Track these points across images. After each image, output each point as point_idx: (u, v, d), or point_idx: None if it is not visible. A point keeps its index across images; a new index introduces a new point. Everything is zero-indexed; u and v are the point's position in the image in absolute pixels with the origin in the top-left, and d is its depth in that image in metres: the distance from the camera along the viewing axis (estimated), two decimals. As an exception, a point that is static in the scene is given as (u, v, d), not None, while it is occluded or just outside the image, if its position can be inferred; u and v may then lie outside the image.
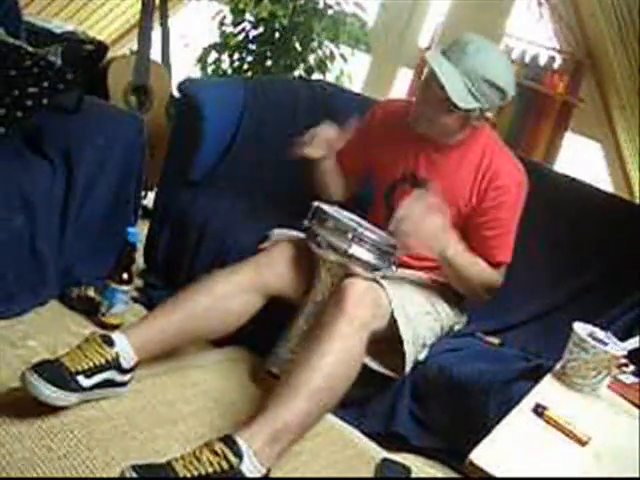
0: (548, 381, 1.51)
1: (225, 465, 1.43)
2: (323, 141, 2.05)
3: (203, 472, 1.41)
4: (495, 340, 2.11)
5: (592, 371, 1.48)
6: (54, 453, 1.52)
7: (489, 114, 1.94)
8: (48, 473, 1.45)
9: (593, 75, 4.15)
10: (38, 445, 1.52)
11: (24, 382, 1.55)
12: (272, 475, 1.54)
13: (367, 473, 1.79)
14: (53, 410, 1.60)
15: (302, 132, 2.07)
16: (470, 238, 2.00)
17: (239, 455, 1.44)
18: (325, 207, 1.92)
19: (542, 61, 4.18)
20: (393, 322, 1.85)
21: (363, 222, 1.95)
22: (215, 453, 1.44)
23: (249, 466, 1.45)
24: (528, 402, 1.36)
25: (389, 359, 1.92)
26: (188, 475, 1.39)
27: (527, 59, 4.24)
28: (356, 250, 1.84)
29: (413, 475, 1.81)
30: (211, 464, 1.42)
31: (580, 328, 1.52)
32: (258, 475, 1.47)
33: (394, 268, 1.91)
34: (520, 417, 1.31)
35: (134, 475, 1.37)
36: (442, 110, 1.91)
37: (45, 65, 2.33)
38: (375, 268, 1.87)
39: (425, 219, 1.81)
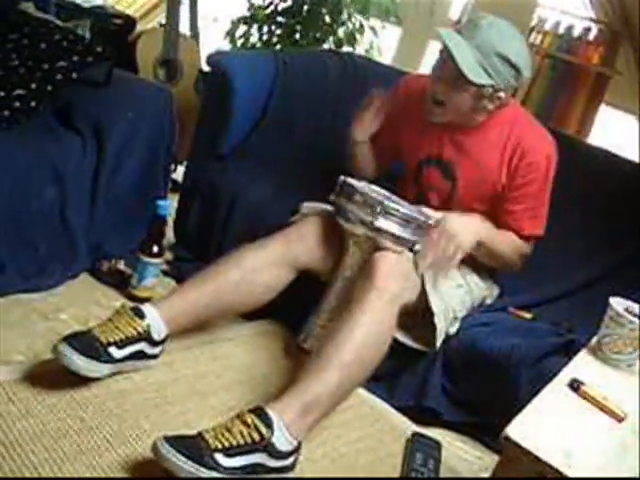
0: (583, 356, 1.49)
1: (256, 436, 1.43)
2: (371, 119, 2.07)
3: (234, 443, 1.41)
4: (527, 314, 2.09)
5: (628, 347, 1.46)
6: (86, 424, 1.53)
7: (502, 94, 1.89)
8: (81, 443, 1.47)
9: (630, 46, 4.03)
10: (71, 416, 1.54)
11: (57, 353, 1.57)
12: (302, 448, 1.54)
13: (398, 447, 1.79)
14: (85, 382, 1.61)
15: (332, 105, 2.04)
16: (500, 212, 1.98)
17: (270, 426, 1.44)
18: (352, 181, 1.90)
19: (577, 32, 4.09)
20: (424, 295, 1.83)
21: (392, 196, 1.93)
22: (246, 424, 1.43)
23: (280, 438, 1.45)
24: (563, 377, 1.34)
25: (420, 332, 1.90)
26: (219, 446, 1.39)
27: (561, 30, 4.14)
28: (384, 223, 1.82)
29: (443, 450, 1.80)
30: (242, 435, 1.42)
31: (616, 303, 1.49)
32: (289, 447, 1.47)
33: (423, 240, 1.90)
34: (556, 392, 1.29)
35: (166, 446, 1.37)
36: (454, 89, 1.87)
37: (74, 39, 2.34)
38: (404, 241, 1.85)
39: (448, 245, 1.81)
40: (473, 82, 1.83)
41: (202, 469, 1.36)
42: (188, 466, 1.36)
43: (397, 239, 1.83)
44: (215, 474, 1.38)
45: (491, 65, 1.83)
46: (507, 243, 1.96)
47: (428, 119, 1.98)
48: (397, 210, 1.82)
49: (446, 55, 1.84)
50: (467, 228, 1.86)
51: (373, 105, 2.08)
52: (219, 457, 1.39)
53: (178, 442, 1.39)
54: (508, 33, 1.86)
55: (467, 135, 1.99)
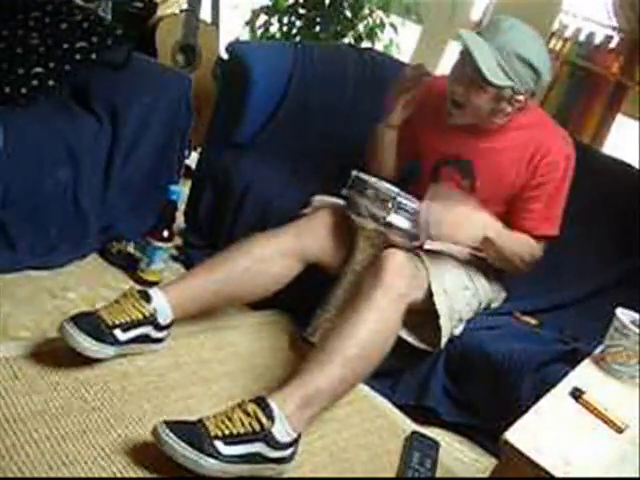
0: (586, 365, 1.49)
1: (256, 426, 1.43)
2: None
3: (234, 431, 1.41)
4: (533, 320, 2.09)
5: (632, 358, 1.46)
6: (88, 404, 1.54)
7: (521, 97, 1.88)
8: (83, 423, 1.48)
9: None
10: (74, 395, 1.55)
11: (62, 333, 1.58)
12: (302, 440, 1.55)
13: (396, 444, 1.79)
14: (89, 362, 1.62)
15: (349, 100, 2.03)
16: (515, 211, 1.98)
17: (271, 417, 1.45)
18: (365, 176, 1.90)
19: (598, 40, 4.07)
20: (430, 295, 1.84)
21: (402, 192, 1.93)
22: (247, 413, 1.44)
23: (280, 429, 1.45)
24: (565, 385, 1.34)
25: (424, 332, 1.91)
26: (219, 433, 1.40)
27: (582, 37, 4.13)
28: (395, 218, 1.83)
29: (441, 450, 1.80)
30: (242, 424, 1.43)
31: (623, 314, 1.49)
32: (289, 439, 1.48)
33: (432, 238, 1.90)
34: (557, 399, 1.29)
35: (167, 431, 1.38)
36: (473, 90, 1.87)
37: (95, 20, 2.34)
38: (414, 237, 1.85)
39: (448, 214, 1.79)
40: (492, 83, 1.83)
41: (201, 455, 1.37)
42: (187, 452, 1.37)
43: (408, 235, 1.83)
44: (214, 461, 1.38)
45: (511, 67, 1.82)
46: (519, 245, 1.94)
47: (448, 121, 1.97)
48: (409, 206, 1.83)
49: (466, 56, 1.84)
50: (471, 222, 1.84)
51: (410, 87, 2.05)
52: (219, 445, 1.39)
53: (178, 427, 1.40)
54: (529, 36, 1.86)
55: (487, 135, 1.98)
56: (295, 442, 1.51)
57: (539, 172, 1.94)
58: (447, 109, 1.95)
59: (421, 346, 1.91)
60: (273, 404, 1.47)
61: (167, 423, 1.41)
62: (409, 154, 2.17)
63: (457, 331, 1.93)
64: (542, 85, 1.92)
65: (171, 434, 1.38)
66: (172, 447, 1.37)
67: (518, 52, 1.82)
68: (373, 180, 1.89)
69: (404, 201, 1.83)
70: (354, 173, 1.92)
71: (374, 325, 1.66)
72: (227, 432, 1.41)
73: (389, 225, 1.83)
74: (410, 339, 1.89)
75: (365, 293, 1.72)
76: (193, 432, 1.40)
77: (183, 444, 1.37)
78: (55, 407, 1.50)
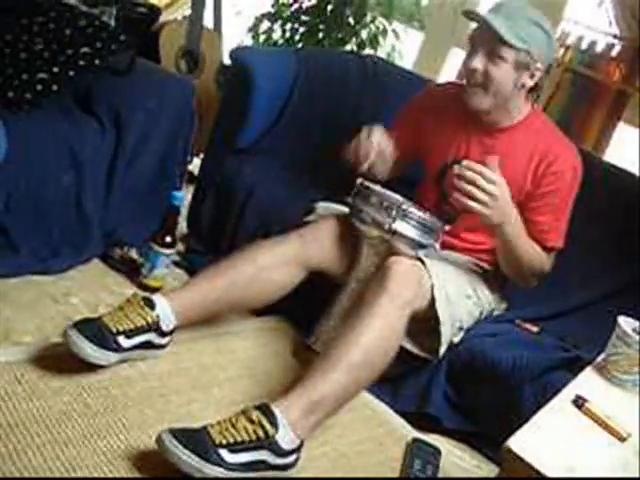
0: (588, 373, 1.49)
1: (261, 433, 1.43)
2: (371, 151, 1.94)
3: (239, 439, 1.41)
4: (534, 328, 2.09)
5: (635, 367, 1.46)
6: (90, 409, 1.54)
7: (540, 65, 1.86)
8: (84, 428, 1.48)
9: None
10: (76, 400, 1.55)
11: (66, 339, 1.58)
12: (304, 446, 1.55)
13: (398, 451, 1.79)
14: (91, 367, 1.62)
15: (352, 106, 2.02)
16: (523, 222, 1.96)
17: (275, 424, 1.44)
18: (369, 184, 1.90)
19: (599, 48, 4.08)
20: (432, 303, 1.83)
21: (407, 200, 1.93)
22: (251, 421, 1.44)
23: (284, 436, 1.45)
24: (567, 393, 1.34)
25: (425, 340, 1.90)
26: (224, 441, 1.40)
27: (584, 45, 4.13)
28: (400, 226, 1.82)
29: (442, 457, 1.80)
30: (247, 432, 1.42)
31: (625, 322, 1.49)
32: (292, 446, 1.48)
33: (437, 246, 1.90)
34: (559, 408, 1.29)
35: (171, 439, 1.37)
36: (493, 62, 1.84)
37: (99, 26, 2.35)
38: (419, 245, 1.85)
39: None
40: (511, 44, 1.81)
41: (206, 464, 1.37)
42: (192, 460, 1.36)
43: (412, 242, 1.83)
44: (219, 469, 1.38)
45: (523, 29, 1.82)
46: (532, 252, 1.91)
47: (469, 105, 1.93)
48: (414, 214, 1.82)
49: (479, 30, 1.85)
50: (508, 204, 1.80)
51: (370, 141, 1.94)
52: (223, 453, 1.39)
53: (183, 435, 1.39)
54: (531, 9, 1.88)
55: (495, 139, 1.98)
56: (298, 449, 1.51)
57: (545, 181, 1.93)
58: (466, 93, 1.92)
59: (421, 354, 1.91)
60: (277, 411, 1.47)
61: (171, 431, 1.40)
62: (411, 160, 2.16)
63: (456, 339, 1.92)
64: (552, 56, 1.91)
65: (175, 442, 1.37)
66: (177, 456, 1.37)
67: (527, 15, 1.84)
68: (378, 188, 1.89)
69: (409, 209, 1.83)
70: (359, 181, 1.92)
71: (378, 332, 1.66)
72: (232, 440, 1.41)
73: (393, 232, 1.83)
74: (410, 347, 1.89)
75: (370, 301, 1.71)
76: (198, 440, 1.39)
77: (188, 452, 1.37)
78: (57, 412, 1.50)
